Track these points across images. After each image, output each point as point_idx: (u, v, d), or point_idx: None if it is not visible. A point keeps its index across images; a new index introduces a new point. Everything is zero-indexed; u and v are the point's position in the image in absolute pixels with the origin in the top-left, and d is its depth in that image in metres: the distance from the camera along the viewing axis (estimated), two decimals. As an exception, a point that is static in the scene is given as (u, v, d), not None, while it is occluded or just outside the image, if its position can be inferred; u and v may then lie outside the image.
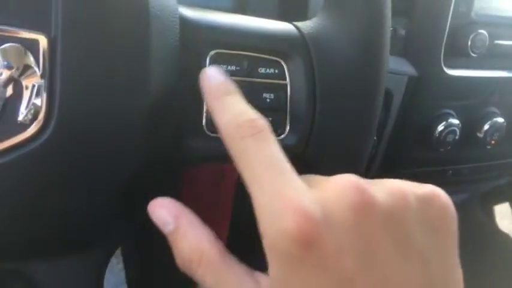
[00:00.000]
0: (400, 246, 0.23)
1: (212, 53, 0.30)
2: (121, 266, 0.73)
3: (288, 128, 0.32)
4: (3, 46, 0.24)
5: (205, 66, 0.30)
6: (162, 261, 0.69)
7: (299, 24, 0.33)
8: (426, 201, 0.24)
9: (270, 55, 0.31)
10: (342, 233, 0.22)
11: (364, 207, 0.22)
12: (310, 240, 0.21)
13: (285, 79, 0.31)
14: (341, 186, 0.23)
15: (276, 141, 0.25)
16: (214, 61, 0.30)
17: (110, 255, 0.32)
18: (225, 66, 0.30)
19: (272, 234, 0.22)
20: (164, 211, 0.26)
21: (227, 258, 0.25)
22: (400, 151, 0.58)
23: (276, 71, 0.31)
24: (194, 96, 0.30)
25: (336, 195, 0.23)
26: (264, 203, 0.23)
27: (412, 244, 0.23)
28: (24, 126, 0.25)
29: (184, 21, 0.30)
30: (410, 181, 0.25)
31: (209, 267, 0.24)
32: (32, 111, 0.25)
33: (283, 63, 0.31)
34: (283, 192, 0.22)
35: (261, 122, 0.26)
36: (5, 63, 0.24)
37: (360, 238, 0.22)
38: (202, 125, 0.30)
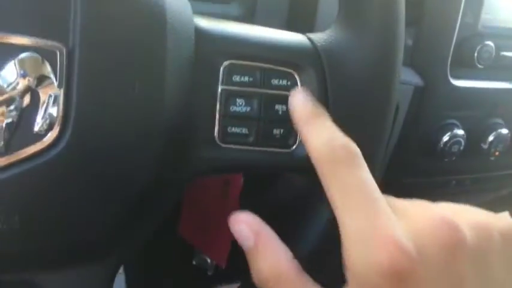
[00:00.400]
0: (483, 281, 0.23)
1: (226, 63, 0.30)
2: (121, 270, 0.73)
3: (299, 139, 0.32)
4: (21, 56, 0.24)
5: (219, 77, 0.30)
6: (161, 265, 0.69)
7: (312, 35, 0.33)
8: (509, 236, 0.25)
9: (283, 66, 0.31)
10: (433, 269, 0.22)
11: (456, 245, 0.22)
12: (402, 275, 0.21)
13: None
14: (433, 221, 0.23)
15: (368, 169, 0.25)
16: (228, 72, 0.30)
17: (120, 264, 0.32)
18: (238, 77, 0.30)
19: (361, 265, 0.22)
20: (245, 226, 0.26)
21: (304, 279, 0.25)
22: (404, 160, 0.59)
23: (289, 82, 0.31)
24: (207, 107, 0.30)
25: (429, 230, 0.23)
26: (355, 231, 0.23)
27: (494, 278, 0.24)
28: (40, 136, 0.25)
29: (198, 32, 0.30)
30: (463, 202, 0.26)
31: (286, 287, 0.24)
32: (48, 121, 0.25)
33: (296, 75, 0.31)
34: (376, 223, 0.22)
35: (354, 147, 0.26)
36: (22, 72, 0.24)
37: (448, 274, 0.22)
38: (214, 136, 0.30)
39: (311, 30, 0.37)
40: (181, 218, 0.60)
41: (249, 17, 0.49)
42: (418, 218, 0.23)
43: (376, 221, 0.22)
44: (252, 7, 0.49)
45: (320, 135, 0.27)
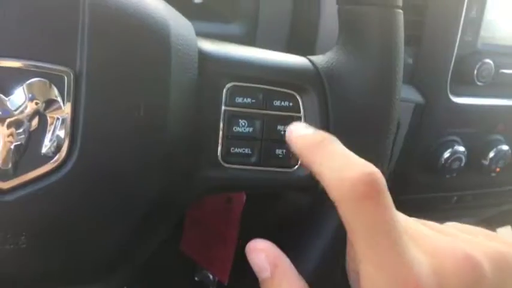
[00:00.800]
0: None
1: (229, 85, 0.31)
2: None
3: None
4: (29, 81, 0.25)
5: (222, 98, 0.31)
6: (164, 281, 0.69)
7: (313, 58, 0.34)
8: None
9: (285, 88, 0.32)
10: None
11: (478, 282, 0.23)
12: None
13: (299, 112, 0.32)
14: (456, 259, 0.23)
15: (390, 199, 0.23)
16: (231, 94, 0.31)
17: (123, 283, 0.32)
18: (241, 98, 0.31)
19: None
20: (263, 256, 0.25)
21: None
22: (405, 177, 0.59)
23: (291, 103, 0.32)
24: (210, 128, 0.30)
25: (452, 268, 0.23)
26: (380, 278, 0.22)
27: None
28: (47, 158, 0.25)
29: (202, 54, 0.30)
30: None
31: None
32: (55, 144, 0.25)
33: (297, 96, 0.32)
34: (401, 270, 0.22)
35: (377, 176, 0.23)
36: (30, 96, 0.25)
37: None
38: (217, 156, 0.31)
39: (312, 51, 0.38)
40: (183, 234, 0.60)
41: (250, 38, 0.50)
42: (441, 254, 0.23)
43: (401, 268, 0.22)
44: (253, 28, 0.49)
45: (334, 165, 0.24)
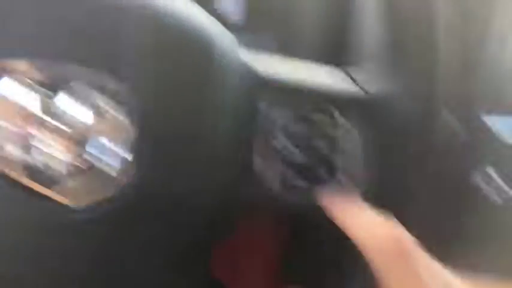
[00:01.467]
0: None
1: (268, 98, 0.29)
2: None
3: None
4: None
5: (262, 111, 0.29)
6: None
7: (354, 73, 0.32)
8: None
9: (324, 103, 0.31)
10: None
11: None
12: None
13: (338, 128, 0.31)
14: None
15: (421, 253, 0.25)
16: (270, 106, 0.29)
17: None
18: (279, 112, 0.29)
19: None
20: None
21: None
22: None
23: (331, 119, 0.31)
24: (247, 141, 0.29)
25: None
26: None
27: None
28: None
29: (242, 67, 0.29)
30: None
31: None
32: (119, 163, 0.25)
33: (337, 112, 0.31)
34: None
35: (402, 232, 0.25)
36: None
37: None
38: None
39: (345, 62, 0.37)
40: (214, 256, 0.58)
41: (282, 48, 0.48)
42: None
43: None
44: (285, 37, 0.48)
45: (362, 224, 0.27)
